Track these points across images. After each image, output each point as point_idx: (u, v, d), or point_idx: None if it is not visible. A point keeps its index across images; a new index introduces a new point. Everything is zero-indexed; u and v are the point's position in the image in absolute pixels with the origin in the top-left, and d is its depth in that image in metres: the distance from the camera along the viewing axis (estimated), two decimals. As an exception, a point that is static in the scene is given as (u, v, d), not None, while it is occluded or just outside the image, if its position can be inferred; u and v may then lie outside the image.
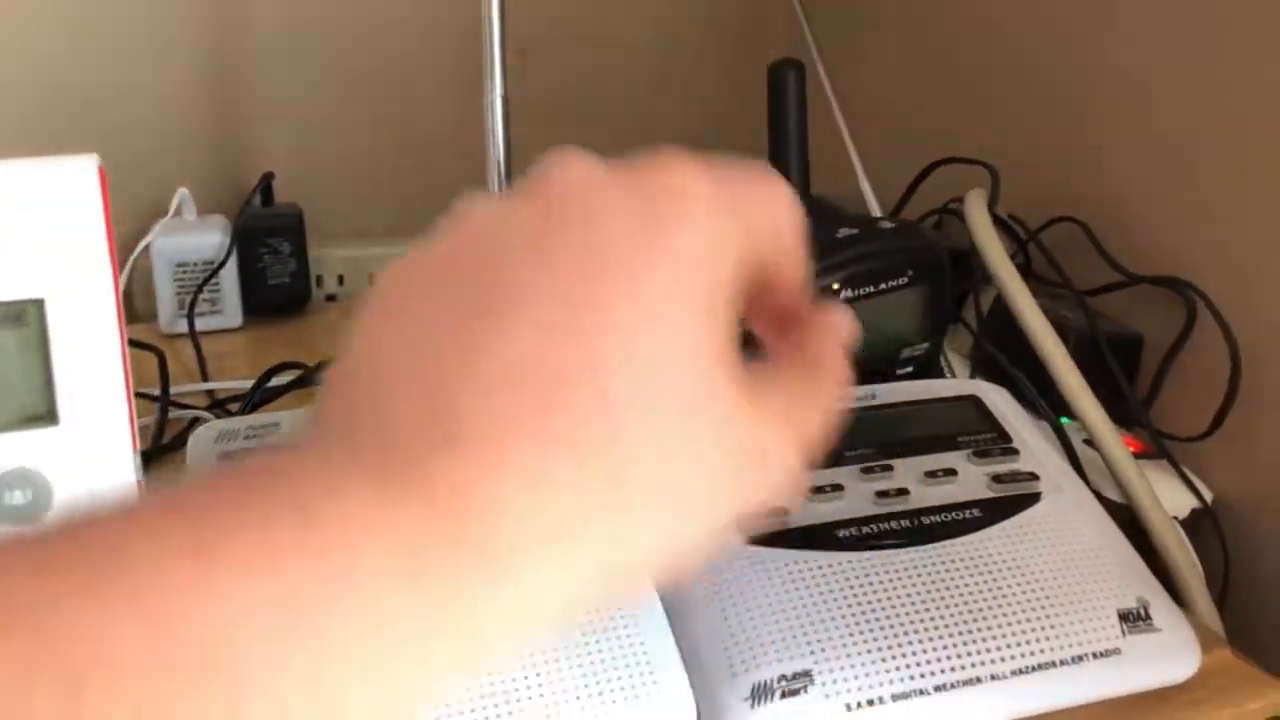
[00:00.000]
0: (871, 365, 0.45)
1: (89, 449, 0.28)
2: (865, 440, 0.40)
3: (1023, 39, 0.58)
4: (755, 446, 0.19)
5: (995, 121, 0.60)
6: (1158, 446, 0.46)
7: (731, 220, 0.19)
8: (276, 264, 0.62)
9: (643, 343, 0.17)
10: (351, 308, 0.18)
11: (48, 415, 0.28)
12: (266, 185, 0.64)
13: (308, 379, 0.48)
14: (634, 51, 0.78)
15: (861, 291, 0.45)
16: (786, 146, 0.45)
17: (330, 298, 0.69)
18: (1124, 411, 0.48)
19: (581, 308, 0.17)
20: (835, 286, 0.44)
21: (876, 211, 0.53)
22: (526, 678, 0.32)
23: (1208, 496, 0.46)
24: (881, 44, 0.69)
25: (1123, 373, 0.48)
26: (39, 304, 0.28)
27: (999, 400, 0.44)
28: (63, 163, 0.29)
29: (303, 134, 0.71)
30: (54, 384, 0.28)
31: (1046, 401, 0.47)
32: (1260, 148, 0.46)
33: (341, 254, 0.70)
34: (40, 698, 0.12)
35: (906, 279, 0.45)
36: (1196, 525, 0.45)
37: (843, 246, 0.45)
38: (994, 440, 0.41)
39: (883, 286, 0.45)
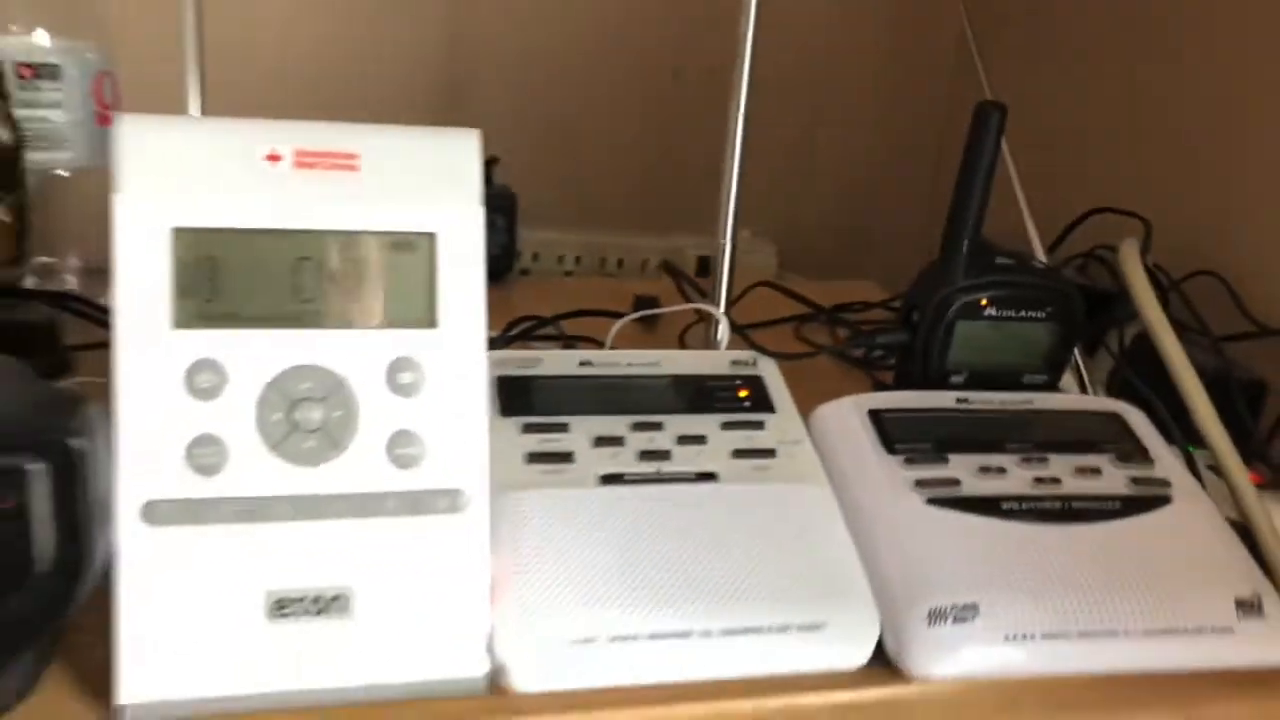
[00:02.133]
0: (994, 382, 0.52)
1: (455, 347, 0.37)
2: (1025, 436, 0.48)
3: (1181, 105, 0.65)
4: None
5: (1147, 177, 0.66)
6: (1274, 479, 0.53)
7: None
8: (492, 236, 0.71)
9: None
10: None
11: (429, 320, 0.37)
12: (489, 168, 0.74)
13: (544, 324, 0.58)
14: (793, 86, 0.85)
15: (1004, 313, 0.52)
16: (974, 179, 0.52)
17: (524, 271, 0.78)
18: (1246, 448, 0.54)
19: None
20: (984, 302, 0.51)
21: (1038, 249, 0.60)
22: (735, 596, 0.40)
23: (1314, 527, 0.52)
24: (1048, 96, 0.76)
25: (1248, 413, 0.54)
26: (431, 236, 0.37)
27: (1138, 420, 0.51)
28: (451, 134, 0.38)
29: (521, 134, 0.80)
30: (436, 297, 0.37)
31: (1178, 429, 0.53)
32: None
33: (537, 235, 0.79)
34: None
35: (1044, 314, 0.52)
36: (1301, 551, 0.51)
37: (998, 271, 0.52)
38: (1133, 450, 0.48)
39: (1022, 314, 0.52)
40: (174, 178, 0.35)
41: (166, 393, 0.35)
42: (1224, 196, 0.61)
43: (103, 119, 0.59)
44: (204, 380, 0.35)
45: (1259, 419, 0.56)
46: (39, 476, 0.31)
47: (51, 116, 0.56)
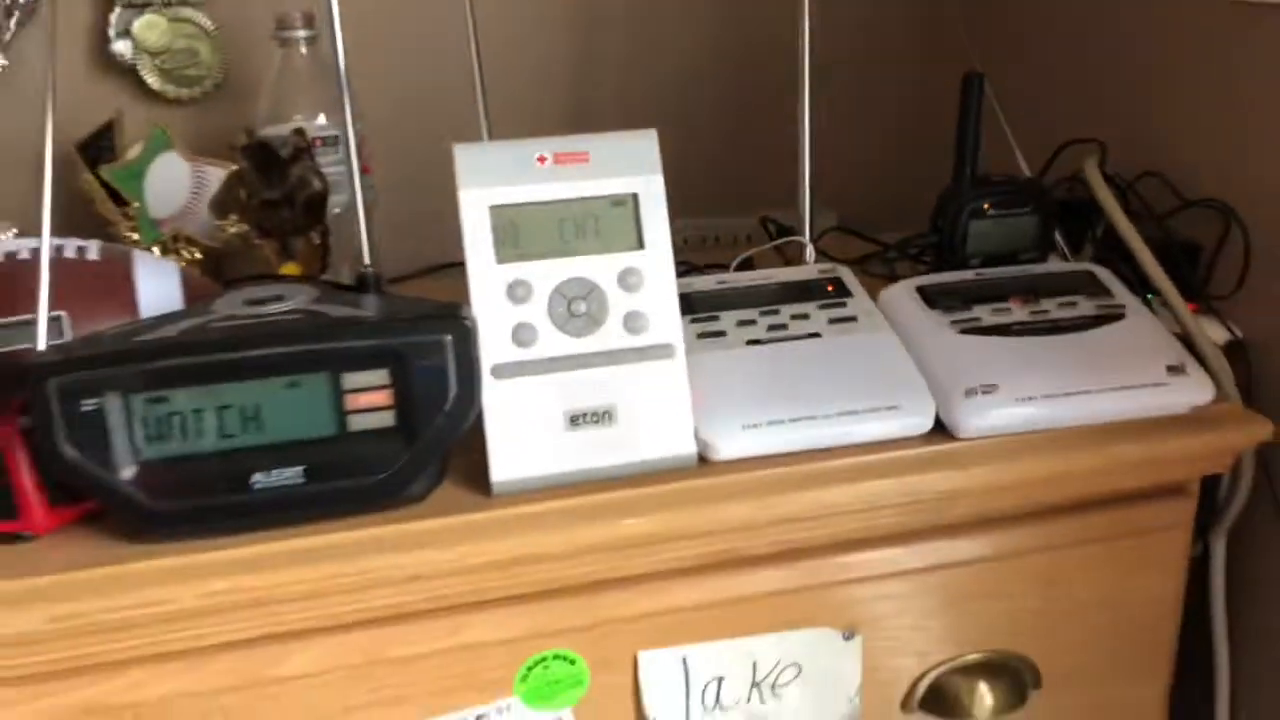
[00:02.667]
0: (1000, 262, 0.75)
1: (656, 262, 0.61)
2: (1023, 289, 0.70)
3: (1125, 55, 0.87)
4: None
5: (1104, 110, 0.89)
6: (1207, 306, 0.75)
7: None
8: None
9: None
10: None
11: (639, 245, 0.61)
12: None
13: (687, 271, 0.81)
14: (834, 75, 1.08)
15: (1000, 211, 0.75)
16: (968, 125, 0.76)
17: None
18: (1189, 291, 0.76)
19: None
20: (986, 206, 0.75)
21: (1024, 170, 0.82)
22: (840, 396, 0.63)
23: (1239, 334, 0.74)
24: (1022, 61, 0.99)
25: (1188, 265, 0.76)
26: (635, 195, 0.61)
27: (1105, 274, 0.73)
28: (640, 134, 0.62)
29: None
30: (641, 234, 0.61)
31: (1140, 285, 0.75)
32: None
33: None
34: None
35: (1028, 210, 0.75)
36: (1230, 351, 0.73)
37: (993, 184, 0.76)
38: (1099, 291, 0.71)
39: (1013, 210, 0.75)
40: (488, 177, 0.60)
41: (497, 301, 0.59)
42: (1157, 115, 0.83)
43: (364, 169, 0.85)
44: (518, 292, 0.60)
45: (1196, 267, 0.78)
46: (449, 345, 0.56)
47: (332, 171, 0.82)
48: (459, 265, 0.61)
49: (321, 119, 0.82)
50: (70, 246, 0.64)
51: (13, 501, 0.54)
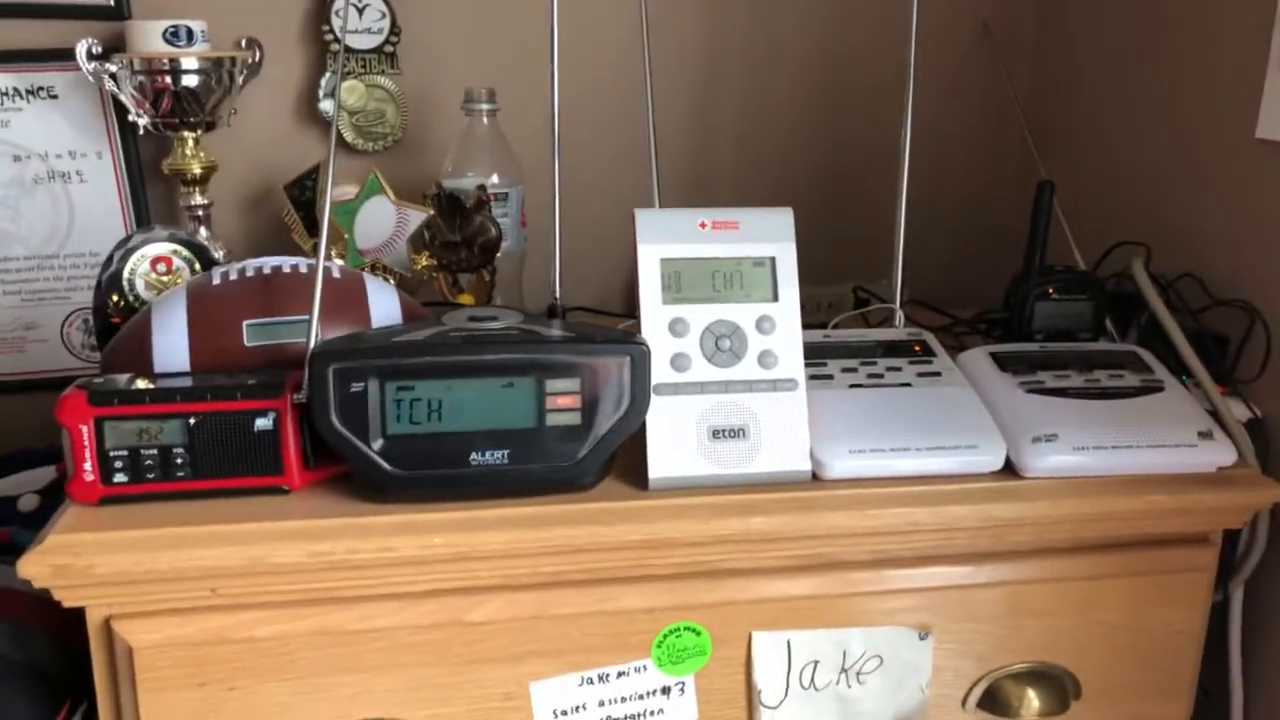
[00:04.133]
0: (1060, 339, 0.90)
1: (786, 312, 0.76)
2: (1079, 361, 0.85)
3: (1170, 176, 1.02)
4: None
5: (1149, 218, 1.04)
6: (1234, 389, 0.89)
7: None
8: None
9: None
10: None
11: (774, 298, 0.76)
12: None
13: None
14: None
15: (1061, 296, 0.90)
16: (1040, 225, 0.91)
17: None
18: (1218, 375, 0.90)
19: None
20: (1050, 291, 0.89)
21: (1080, 264, 0.97)
22: (929, 433, 0.77)
23: (1259, 413, 0.88)
24: (1079, 175, 1.14)
25: (1217, 353, 0.90)
26: (773, 258, 0.76)
27: (1147, 355, 0.87)
28: (779, 210, 0.77)
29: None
30: (777, 289, 0.76)
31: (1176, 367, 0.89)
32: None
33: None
34: None
35: (1085, 296, 0.90)
36: (1251, 428, 0.87)
37: (1057, 273, 0.90)
38: (1143, 367, 0.85)
39: (1071, 296, 0.90)
40: (660, 236, 0.75)
41: (661, 333, 0.74)
42: (1194, 227, 0.98)
43: (523, 222, 1.01)
44: (677, 328, 0.74)
45: (1224, 355, 0.92)
46: (629, 364, 0.71)
47: (501, 222, 0.98)
48: (581, 309, 0.75)
49: (495, 178, 0.98)
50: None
51: (280, 461, 0.69)
